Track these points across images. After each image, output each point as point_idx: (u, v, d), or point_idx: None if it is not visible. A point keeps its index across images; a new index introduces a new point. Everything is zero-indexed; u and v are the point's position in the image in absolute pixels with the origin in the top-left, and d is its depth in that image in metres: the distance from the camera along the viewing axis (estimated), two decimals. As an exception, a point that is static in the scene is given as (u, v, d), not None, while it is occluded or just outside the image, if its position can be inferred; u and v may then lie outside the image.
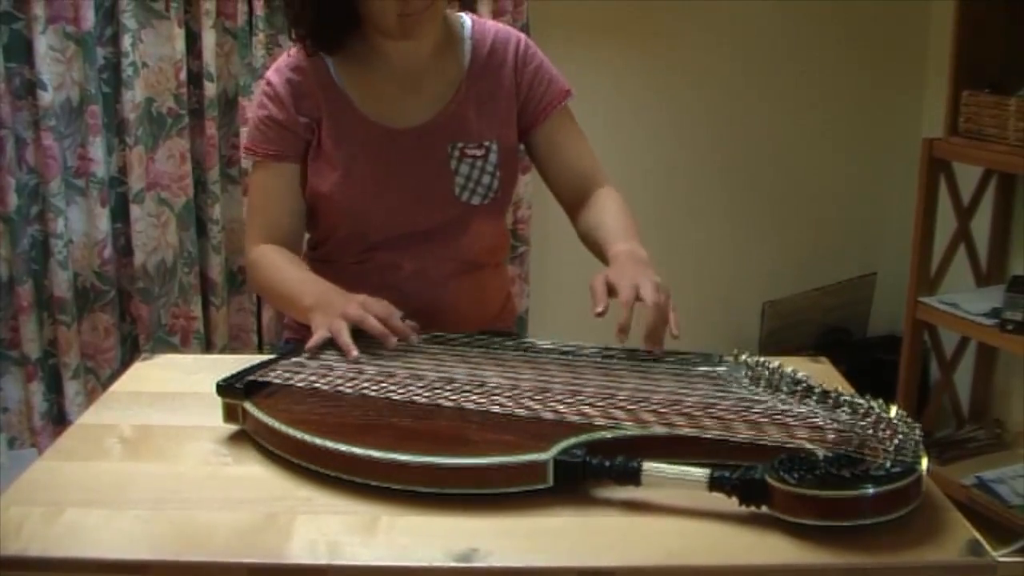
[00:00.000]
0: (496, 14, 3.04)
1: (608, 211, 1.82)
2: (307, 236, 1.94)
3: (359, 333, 1.54)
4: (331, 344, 1.55)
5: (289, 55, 1.83)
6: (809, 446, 1.18)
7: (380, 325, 1.55)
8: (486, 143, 1.82)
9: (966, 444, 3.20)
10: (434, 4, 1.70)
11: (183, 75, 2.85)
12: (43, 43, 2.71)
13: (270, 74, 1.83)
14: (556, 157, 1.90)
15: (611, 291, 1.54)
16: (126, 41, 2.78)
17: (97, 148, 2.81)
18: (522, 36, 1.90)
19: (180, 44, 2.83)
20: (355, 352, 1.51)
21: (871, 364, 3.49)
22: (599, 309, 1.51)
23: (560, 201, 1.94)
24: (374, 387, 1.41)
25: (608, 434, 1.24)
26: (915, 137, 3.28)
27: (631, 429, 1.24)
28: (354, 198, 1.79)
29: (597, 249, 1.78)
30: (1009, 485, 2.91)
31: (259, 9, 2.87)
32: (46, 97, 2.74)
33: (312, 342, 1.55)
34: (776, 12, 3.51)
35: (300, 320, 1.75)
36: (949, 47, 3.00)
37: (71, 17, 2.76)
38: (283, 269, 1.78)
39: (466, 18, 1.88)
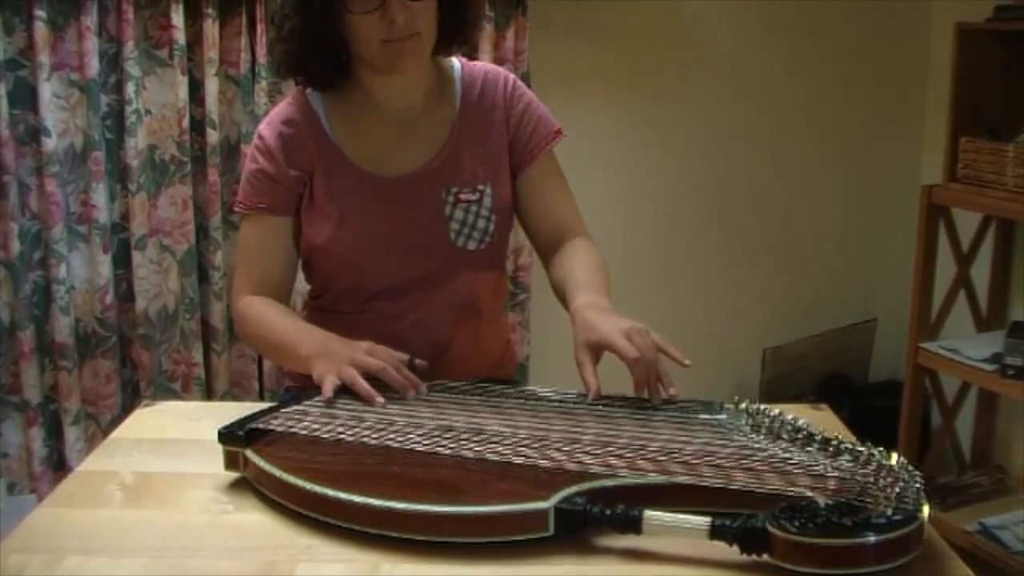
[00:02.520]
0: (497, 62, 3.06)
1: (577, 262, 1.80)
2: (308, 287, 1.95)
3: (367, 379, 1.55)
4: (342, 391, 1.55)
5: (281, 108, 1.84)
6: (810, 494, 1.18)
7: (399, 376, 1.56)
8: (480, 187, 1.82)
9: (968, 490, 3.19)
10: (419, 35, 1.70)
11: (186, 122, 2.87)
12: (48, 90, 2.73)
13: (262, 128, 1.84)
14: (537, 202, 1.89)
15: (599, 353, 1.54)
16: (130, 88, 2.80)
17: (100, 194, 2.82)
18: (511, 75, 1.90)
19: (183, 91, 2.85)
20: (380, 399, 1.51)
21: (872, 410, 3.48)
22: (592, 397, 1.52)
23: (535, 245, 1.94)
24: (374, 435, 1.41)
25: (608, 482, 1.23)
26: (914, 183, 3.30)
27: (631, 477, 1.24)
28: (349, 249, 1.79)
29: (563, 299, 1.76)
30: (1012, 531, 2.89)
31: (261, 57, 2.89)
32: (50, 143, 2.75)
33: (327, 391, 1.54)
34: (776, 60, 3.53)
35: (296, 369, 1.75)
36: (947, 94, 3.02)
37: (76, 64, 2.78)
38: (275, 319, 1.77)
39: (455, 62, 1.89)
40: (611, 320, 1.56)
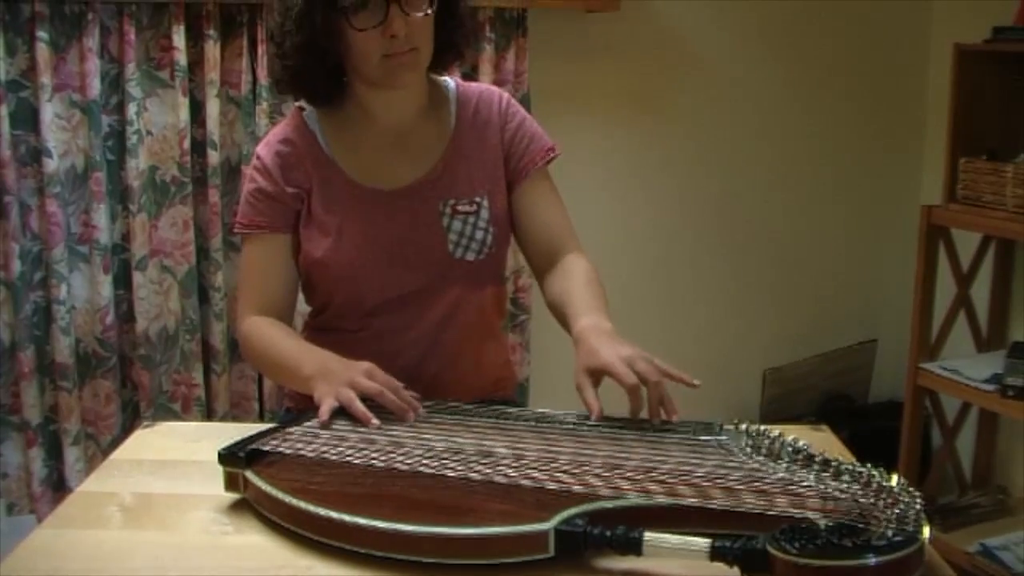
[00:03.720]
0: (497, 83, 3.07)
1: (575, 281, 1.80)
2: (308, 307, 1.95)
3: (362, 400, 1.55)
4: (339, 413, 1.55)
5: (278, 128, 1.86)
6: (810, 515, 1.18)
7: (397, 399, 1.56)
8: (477, 199, 1.83)
9: (969, 511, 3.18)
10: (417, 49, 1.72)
11: (187, 143, 2.87)
12: (49, 111, 2.74)
13: (259, 148, 1.86)
14: (531, 218, 1.90)
15: (599, 377, 1.55)
16: (131, 109, 2.81)
17: (101, 215, 2.82)
18: (504, 94, 1.92)
19: (184, 113, 2.85)
20: (375, 420, 1.52)
21: (872, 430, 3.47)
22: (594, 416, 1.52)
23: (529, 261, 1.95)
24: (375, 456, 1.41)
25: (609, 504, 1.23)
26: (914, 204, 3.30)
27: (632, 499, 1.24)
28: (348, 262, 1.80)
29: (562, 319, 1.77)
30: (1013, 552, 2.89)
31: (263, 78, 2.90)
32: (51, 164, 2.76)
33: (323, 413, 1.54)
34: (775, 81, 3.55)
35: (299, 390, 1.75)
36: (947, 115, 3.03)
37: (77, 86, 2.79)
38: (278, 340, 1.78)
39: (450, 81, 1.92)
40: (613, 346, 1.56)
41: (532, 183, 1.89)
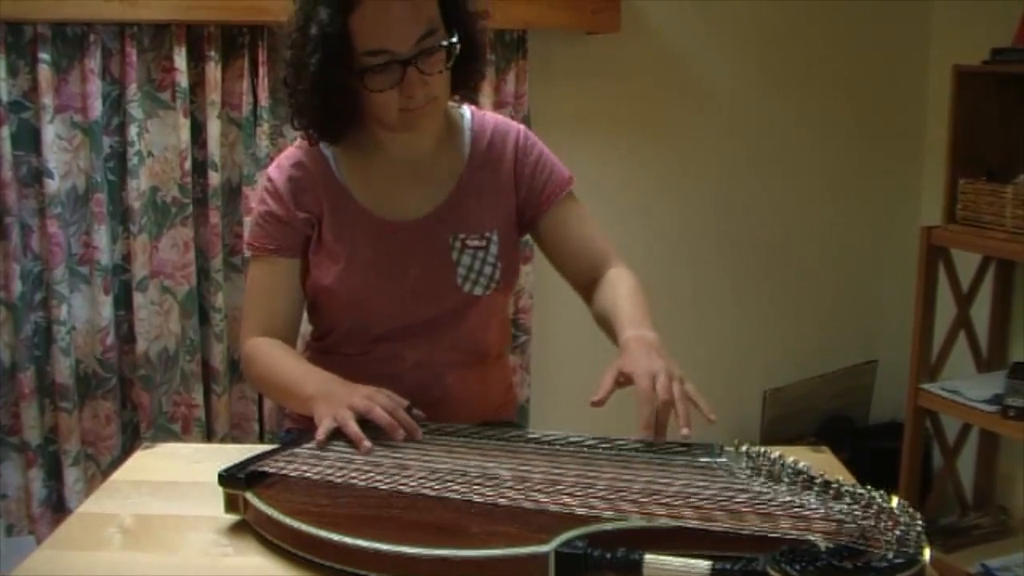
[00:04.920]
0: (497, 105, 3.08)
1: (619, 293, 1.81)
2: (311, 327, 1.95)
3: (363, 423, 1.55)
4: (338, 434, 1.55)
5: (291, 151, 1.85)
6: (811, 537, 1.18)
7: (387, 416, 1.56)
8: (487, 234, 1.83)
9: (971, 531, 3.18)
10: (436, 98, 1.72)
11: (188, 164, 2.88)
12: (51, 132, 2.74)
13: (271, 170, 1.85)
14: (564, 242, 1.90)
15: (625, 380, 1.54)
16: (132, 130, 2.82)
17: (101, 236, 2.83)
18: (521, 128, 1.92)
19: (185, 134, 2.86)
20: (367, 443, 1.51)
21: (873, 451, 3.48)
22: (597, 398, 1.50)
23: (572, 284, 1.94)
24: (376, 478, 1.40)
25: (609, 526, 1.23)
26: (913, 225, 3.31)
27: (631, 521, 1.24)
28: (356, 290, 1.80)
29: (610, 332, 1.77)
30: (1014, 573, 2.88)
31: (263, 100, 2.91)
32: (52, 185, 2.76)
33: (320, 433, 1.54)
34: (775, 101, 3.56)
35: (300, 411, 1.75)
36: (946, 136, 3.04)
37: (79, 107, 2.80)
38: (281, 360, 1.78)
39: (466, 110, 1.91)
40: (649, 357, 1.56)
41: (559, 210, 1.89)
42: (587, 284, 1.90)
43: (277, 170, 1.84)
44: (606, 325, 1.80)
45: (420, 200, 1.83)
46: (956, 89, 2.99)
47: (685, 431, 1.49)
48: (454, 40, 1.69)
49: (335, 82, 1.68)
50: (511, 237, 1.88)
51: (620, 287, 1.83)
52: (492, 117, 1.93)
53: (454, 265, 1.81)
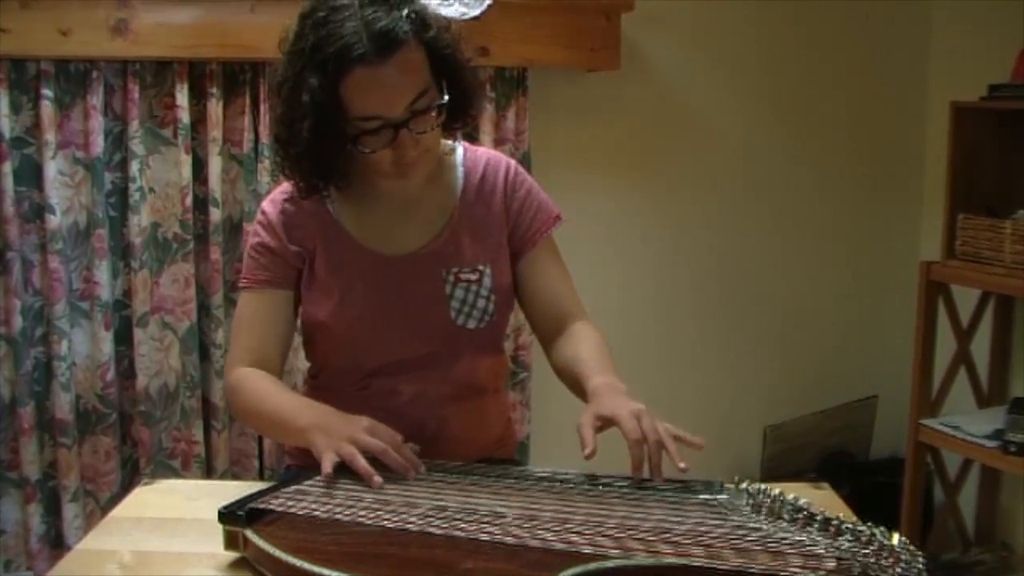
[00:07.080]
0: (498, 142, 3.09)
1: (585, 344, 1.81)
2: (308, 364, 1.95)
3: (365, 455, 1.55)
4: (341, 468, 1.54)
5: (286, 185, 1.85)
6: None
7: (400, 458, 1.56)
8: (480, 267, 1.84)
9: (973, 568, 3.16)
10: (429, 150, 1.73)
11: (189, 200, 2.89)
12: (53, 168, 2.75)
13: (265, 203, 1.86)
14: (538, 287, 1.90)
15: (604, 424, 1.54)
16: (134, 167, 2.83)
17: (102, 271, 2.83)
18: (512, 162, 1.93)
19: (187, 170, 2.87)
20: (378, 477, 1.51)
21: (874, 487, 3.47)
22: (587, 452, 1.50)
23: (535, 330, 1.95)
24: (372, 515, 1.40)
25: (611, 563, 1.23)
26: (913, 261, 3.31)
27: (636, 558, 1.24)
28: (350, 325, 1.80)
29: (573, 382, 1.77)
30: (1017, 610, 2.87)
31: (264, 136, 2.91)
32: (54, 220, 2.77)
33: (326, 466, 1.53)
34: (774, 139, 3.57)
35: (291, 443, 1.75)
36: (944, 172, 3.05)
37: (81, 143, 2.81)
38: (270, 392, 1.77)
39: (458, 145, 1.92)
40: (624, 401, 1.58)
41: (539, 252, 1.90)
42: (549, 333, 1.90)
43: (271, 203, 1.85)
44: (568, 375, 1.80)
45: (413, 234, 1.84)
46: (954, 125, 3.00)
47: (683, 465, 1.49)
48: (446, 99, 1.70)
49: (328, 145, 1.68)
50: (504, 270, 1.88)
51: (586, 340, 1.83)
52: (484, 152, 1.94)
53: (447, 299, 1.82)
